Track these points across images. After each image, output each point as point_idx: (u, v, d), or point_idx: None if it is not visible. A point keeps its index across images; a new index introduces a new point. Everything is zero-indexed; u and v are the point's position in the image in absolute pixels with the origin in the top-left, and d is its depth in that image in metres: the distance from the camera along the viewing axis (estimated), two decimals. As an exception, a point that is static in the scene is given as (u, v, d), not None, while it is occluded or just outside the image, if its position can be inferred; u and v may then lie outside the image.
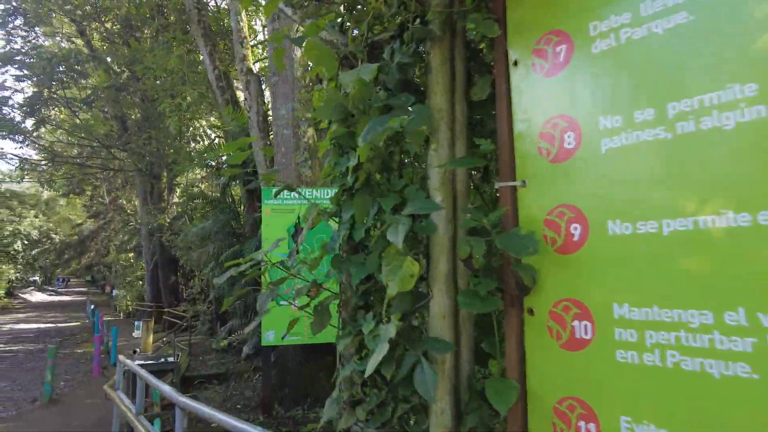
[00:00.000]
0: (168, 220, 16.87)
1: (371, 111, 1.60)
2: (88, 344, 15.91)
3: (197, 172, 17.48)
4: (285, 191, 7.05)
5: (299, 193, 2.55)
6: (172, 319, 14.61)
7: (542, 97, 1.41)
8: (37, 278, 55.68)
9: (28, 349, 15.67)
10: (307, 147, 7.86)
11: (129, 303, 25.39)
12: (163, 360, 5.80)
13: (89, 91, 15.35)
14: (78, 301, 40.16)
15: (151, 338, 6.32)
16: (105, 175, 25.12)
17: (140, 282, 23.99)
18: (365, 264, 1.75)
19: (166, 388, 3.40)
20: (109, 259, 29.03)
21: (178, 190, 19.24)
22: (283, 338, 7.12)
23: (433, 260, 1.52)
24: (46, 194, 38.37)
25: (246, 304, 9.46)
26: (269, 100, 8.79)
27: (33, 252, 34.83)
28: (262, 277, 7.33)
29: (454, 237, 1.52)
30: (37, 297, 46.06)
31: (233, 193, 11.51)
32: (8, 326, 24.30)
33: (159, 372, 5.45)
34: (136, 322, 6.74)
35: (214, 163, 10.47)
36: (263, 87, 8.82)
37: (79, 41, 15.37)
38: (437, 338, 1.46)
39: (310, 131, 8.01)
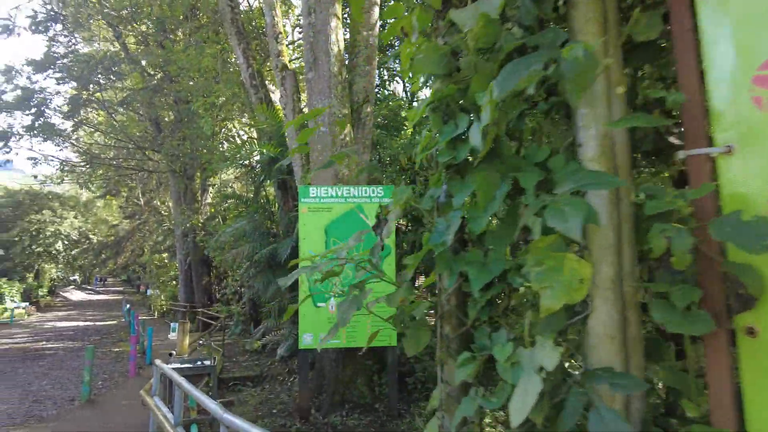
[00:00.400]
0: (201, 221, 16.85)
1: (498, 55, 1.20)
2: (124, 343, 16.01)
3: (230, 172, 17.45)
4: (322, 189, 6.64)
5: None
6: (206, 320, 14.54)
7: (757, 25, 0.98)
8: (76, 277, 57.31)
9: (68, 347, 15.85)
10: (344, 144, 7.53)
11: (163, 303, 25.68)
12: (199, 363, 5.53)
13: (125, 94, 15.44)
14: (114, 300, 41.10)
15: (187, 340, 6.09)
16: (140, 177, 25.50)
17: (174, 282, 24.23)
18: (487, 264, 1.34)
19: (211, 405, 3.08)
20: (144, 259, 29.46)
21: (211, 191, 19.27)
22: (320, 343, 6.80)
23: (594, 259, 1.11)
24: (84, 196, 39.39)
25: (281, 306, 9.18)
26: (305, 96, 8.52)
27: (73, 252, 35.70)
28: (301, 280, 7.04)
29: (618, 227, 1.10)
30: (76, 295, 47.38)
31: (267, 192, 11.31)
32: (50, 324, 24.86)
33: (195, 376, 5.18)
34: (172, 324, 6.56)
35: (247, 162, 10.27)
36: (298, 84, 8.56)
37: (115, 44, 15.52)
38: (613, 370, 1.04)
39: (347, 128, 7.68)
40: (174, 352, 5.67)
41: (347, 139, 7.62)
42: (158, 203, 23.89)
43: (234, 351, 12.94)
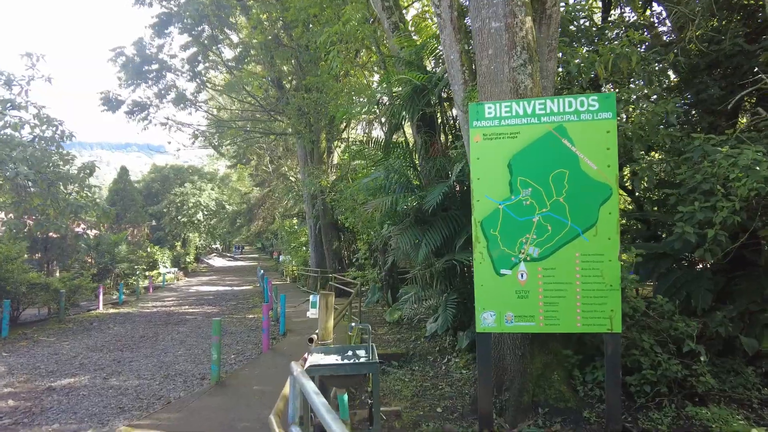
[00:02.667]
0: (329, 182, 15.76)
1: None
2: (258, 309, 15.78)
3: (358, 127, 16.05)
4: (503, 106, 4.42)
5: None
6: (339, 286, 13.50)
7: None
8: (218, 245, 62.51)
9: (207, 312, 16.01)
10: (525, 45, 5.27)
11: (294, 268, 25.87)
12: (354, 359, 3.85)
13: (240, 49, 14.57)
14: (251, 266, 43.65)
15: (332, 321, 4.44)
16: (268, 144, 25.57)
17: (304, 248, 24.14)
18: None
19: None
20: (275, 226, 30.09)
21: (338, 151, 18.17)
22: (507, 324, 4.83)
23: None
24: (222, 171, 41.84)
25: (432, 271, 7.35)
26: None
27: (212, 222, 38.11)
28: (476, 237, 5.05)
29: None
30: (218, 262, 51.46)
31: (406, 136, 9.47)
32: (195, 288, 26.43)
33: (350, 378, 3.50)
34: (312, 298, 5.17)
35: (383, 101, 8.49)
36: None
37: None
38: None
39: (528, 22, 5.38)
40: (315, 336, 4.06)
41: (529, 36, 5.33)
42: (286, 169, 23.68)
43: (371, 321, 11.63)
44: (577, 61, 6.39)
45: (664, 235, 7.00)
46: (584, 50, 7.06)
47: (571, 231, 4.63)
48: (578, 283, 4.67)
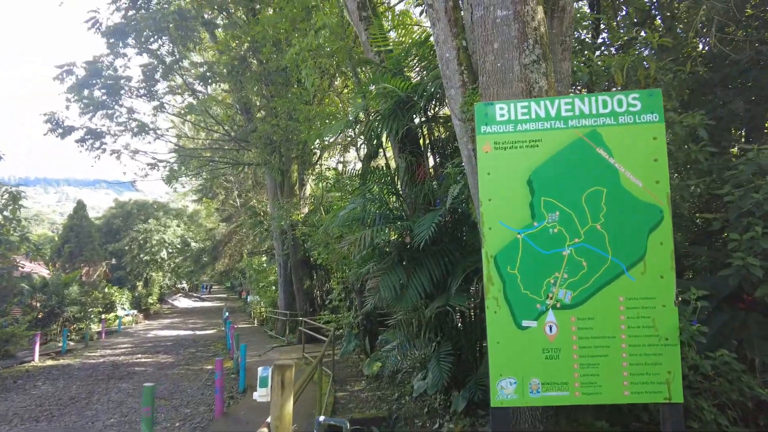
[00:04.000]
0: (301, 215, 14.47)
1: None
2: (220, 357, 14.05)
3: (332, 155, 14.98)
4: (520, 107, 3.32)
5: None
6: (310, 332, 12.00)
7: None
8: (184, 285, 59.52)
9: (160, 362, 14.18)
10: (538, 39, 4.27)
11: (262, 310, 24.10)
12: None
13: (204, 69, 13.44)
14: (218, 307, 41.21)
15: (290, 404, 3.11)
16: (236, 177, 24.20)
17: (274, 287, 22.49)
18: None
19: None
20: (243, 264, 28.34)
21: (311, 183, 16.96)
22: (533, 396, 3.61)
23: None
24: (191, 207, 39.96)
25: (420, 316, 6.09)
26: None
27: (177, 260, 36.00)
28: (487, 278, 3.83)
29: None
30: (183, 303, 48.65)
31: (388, 159, 8.34)
32: (153, 333, 24.27)
33: None
34: (260, 371, 3.86)
35: (359, 119, 7.39)
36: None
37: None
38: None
39: (540, 12, 4.42)
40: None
41: (542, 29, 4.34)
42: (255, 203, 22.31)
43: (346, 373, 10.17)
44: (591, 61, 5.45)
45: (690, 273, 5.98)
46: (595, 55, 6.17)
47: (612, 267, 3.47)
48: (624, 337, 3.48)
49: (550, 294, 3.53)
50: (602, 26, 8.15)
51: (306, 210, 15.60)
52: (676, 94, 6.36)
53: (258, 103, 15.92)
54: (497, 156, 3.70)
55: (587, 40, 7.51)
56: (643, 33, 7.01)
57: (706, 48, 6.38)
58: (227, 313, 21.70)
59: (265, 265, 24.52)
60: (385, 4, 11.45)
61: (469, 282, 5.80)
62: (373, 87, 6.25)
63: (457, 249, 6.05)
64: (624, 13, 8.91)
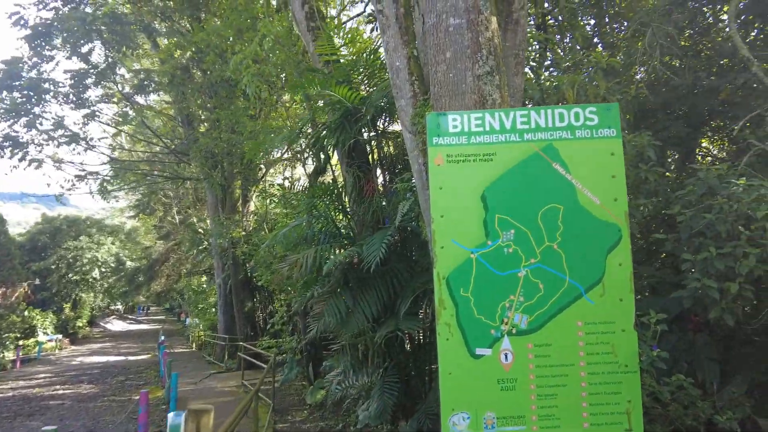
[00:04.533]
0: (243, 233, 13.76)
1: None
2: (152, 386, 12.96)
3: (280, 174, 14.43)
4: (473, 118, 3.07)
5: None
6: (249, 358, 11.25)
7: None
8: (119, 306, 55.90)
9: (82, 394, 12.86)
10: (491, 50, 4.10)
11: (201, 333, 22.76)
12: None
13: (142, 76, 12.65)
14: (154, 330, 38.74)
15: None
16: (175, 192, 23.00)
17: (213, 309, 21.30)
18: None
19: None
20: (182, 284, 26.79)
21: (254, 200, 16.26)
22: (487, 430, 3.31)
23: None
24: (129, 224, 37.63)
25: (366, 341, 5.68)
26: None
27: (110, 280, 33.62)
28: (439, 301, 3.49)
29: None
30: (117, 326, 45.52)
31: (336, 174, 7.96)
32: (79, 359, 22.36)
33: None
34: (170, 418, 3.30)
35: (306, 132, 6.99)
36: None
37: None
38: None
39: (494, 22, 4.25)
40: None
41: (496, 40, 4.17)
42: (195, 219, 21.21)
43: (288, 403, 9.53)
44: (541, 80, 5.38)
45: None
46: (546, 74, 6.13)
47: (570, 290, 3.25)
48: (583, 364, 3.25)
49: (505, 319, 3.26)
50: (548, 50, 8.28)
51: (249, 228, 14.90)
52: (623, 115, 6.44)
53: (202, 116, 15.20)
54: (450, 169, 3.42)
55: (537, 58, 7.55)
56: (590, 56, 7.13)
57: (650, 74, 6.51)
58: (163, 337, 20.30)
59: (205, 285, 23.27)
60: (336, 20, 11.24)
61: (418, 304, 5.49)
62: (321, 102, 5.92)
63: (407, 269, 5.73)
64: (568, 38, 9.13)
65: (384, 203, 6.13)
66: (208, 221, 19.28)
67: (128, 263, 32.90)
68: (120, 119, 13.00)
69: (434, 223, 3.36)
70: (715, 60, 6.64)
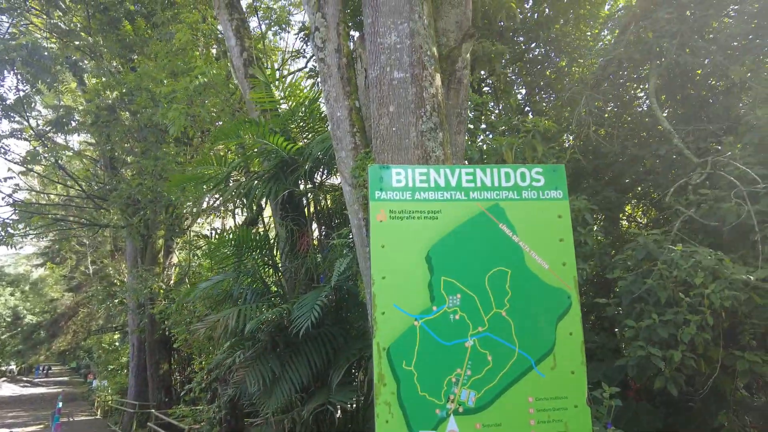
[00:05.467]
0: (163, 287, 12.63)
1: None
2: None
3: (211, 223, 13.61)
4: (418, 173, 2.84)
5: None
6: (161, 430, 9.91)
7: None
8: (13, 367, 49.43)
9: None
10: (435, 107, 4.00)
11: (109, 398, 20.31)
12: None
13: (61, 112, 11.69)
14: (54, 393, 34.23)
15: None
16: (92, 241, 21.13)
17: (126, 371, 19.16)
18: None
19: None
20: (92, 342, 24.10)
21: (176, 252, 15.16)
22: None
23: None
24: (36, 273, 33.92)
25: (294, 418, 5.06)
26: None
27: (3, 337, 29.70)
28: (379, 362, 3.05)
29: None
30: (7, 390, 39.90)
31: (267, 226, 7.45)
32: (-52, 435, 19.00)
33: None
34: None
35: (236, 181, 6.53)
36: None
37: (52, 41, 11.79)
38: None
39: (438, 79, 4.18)
40: None
41: (439, 97, 4.08)
42: (111, 270, 19.44)
43: (202, 484, 8.35)
44: (479, 141, 5.37)
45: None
46: (485, 135, 6.17)
47: (520, 362, 2.97)
48: (535, 446, 2.97)
49: (452, 396, 2.91)
50: (482, 114, 8.53)
51: (170, 282, 13.75)
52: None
53: (128, 159, 14.26)
54: (393, 227, 3.13)
55: (473, 120, 7.69)
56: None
57: (582, 141, 6.77)
58: (61, 404, 17.82)
59: (117, 344, 21.06)
60: (278, 73, 11.10)
61: (353, 373, 5.00)
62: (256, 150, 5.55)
63: (342, 333, 5.26)
64: (501, 106, 9.53)
65: (319, 260, 5.71)
66: (125, 273, 17.72)
67: (27, 317, 29.32)
68: (28, 158, 11.81)
69: (375, 285, 3.02)
70: (637, 131, 7.03)
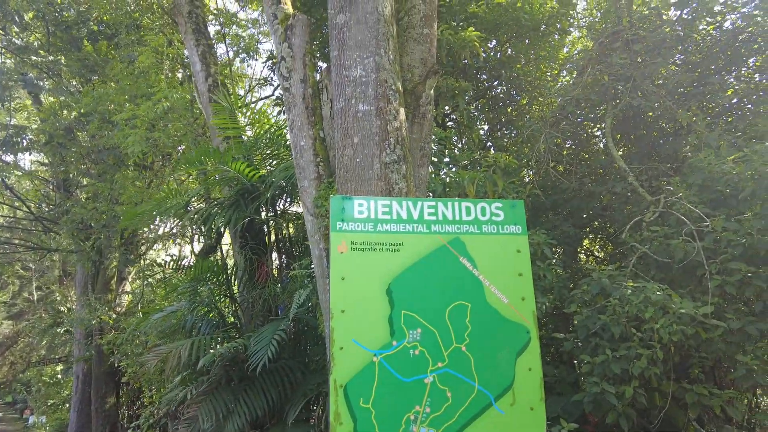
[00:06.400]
0: (113, 316, 12.03)
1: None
2: None
3: (166, 251, 13.16)
4: (381, 205, 2.87)
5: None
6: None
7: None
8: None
9: None
10: (399, 140, 4.06)
11: (47, 436, 18.88)
12: None
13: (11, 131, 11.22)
14: (-16, 431, 31.53)
15: None
16: (38, 266, 20.02)
17: (67, 405, 17.91)
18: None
19: None
20: (31, 374, 22.50)
21: (130, 280, 14.53)
22: None
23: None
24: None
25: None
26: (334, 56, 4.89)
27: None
28: (335, 400, 2.94)
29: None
30: (-68, 427, 36.56)
31: (226, 255, 7.25)
32: None
33: None
34: None
35: (196, 209, 6.35)
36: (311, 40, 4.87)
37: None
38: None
39: (402, 114, 4.26)
40: None
41: (403, 131, 4.15)
42: (59, 297, 18.40)
43: None
44: (442, 174, 5.46)
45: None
46: (449, 168, 6.27)
47: (479, 398, 2.97)
48: (494, 488, 2.93)
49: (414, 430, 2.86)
50: (446, 148, 8.73)
51: (122, 311, 13.12)
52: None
53: (84, 181, 13.76)
54: (354, 258, 3.12)
55: (437, 154, 7.84)
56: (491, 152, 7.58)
57: (541, 176, 6.98)
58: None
59: (60, 376, 19.77)
60: (241, 100, 11.05)
61: (311, 409, 4.84)
62: (218, 177, 5.46)
63: (300, 368, 5.11)
64: (464, 141, 9.77)
65: (279, 290, 5.59)
66: (74, 300, 16.82)
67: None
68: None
69: (334, 318, 2.97)
70: (594, 168, 7.32)
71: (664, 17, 7.09)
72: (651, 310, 3.76)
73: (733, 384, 4.20)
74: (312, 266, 4.34)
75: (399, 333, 3.00)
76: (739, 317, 3.96)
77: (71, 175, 13.20)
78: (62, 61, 11.56)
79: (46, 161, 14.63)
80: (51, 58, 11.39)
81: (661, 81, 6.74)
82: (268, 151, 6.06)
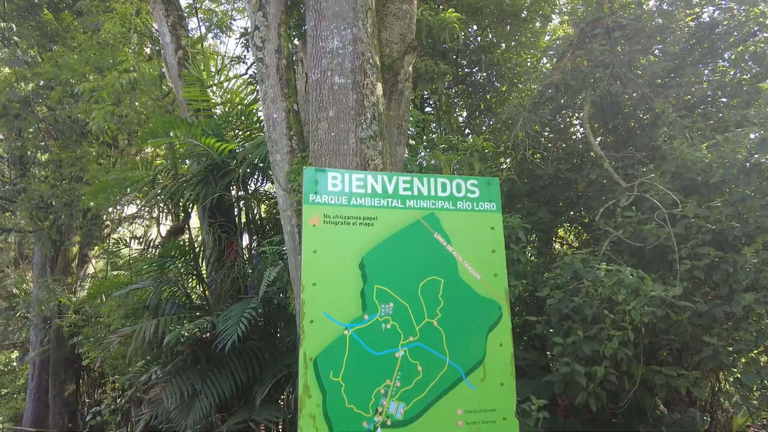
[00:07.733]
0: (74, 299, 11.71)
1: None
2: None
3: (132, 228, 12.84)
4: (355, 178, 2.88)
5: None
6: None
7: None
8: None
9: None
10: (375, 115, 4.05)
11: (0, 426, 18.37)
12: None
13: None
14: (-66, 422, 30.49)
15: None
16: (-7, 248, 19.30)
17: (22, 394, 17.43)
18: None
19: None
20: (-16, 362, 21.81)
21: (92, 262, 14.16)
22: None
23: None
24: None
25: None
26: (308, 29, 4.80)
27: None
28: (305, 372, 2.94)
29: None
30: None
31: (192, 235, 7.12)
32: None
33: None
34: None
35: (163, 183, 6.21)
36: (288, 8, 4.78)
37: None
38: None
39: (380, 88, 4.25)
40: None
41: (380, 107, 4.14)
42: (15, 278, 17.81)
43: None
44: (420, 158, 5.48)
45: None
46: (426, 152, 6.30)
47: (450, 373, 3.02)
48: (464, 462, 2.99)
49: (380, 408, 2.89)
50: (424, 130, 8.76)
51: (83, 294, 12.80)
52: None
53: (42, 158, 13.30)
54: (326, 231, 3.11)
55: (415, 136, 7.86)
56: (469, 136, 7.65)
57: (518, 162, 7.08)
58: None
59: (15, 363, 19.21)
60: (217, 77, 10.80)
61: (280, 390, 4.84)
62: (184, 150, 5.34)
63: (269, 348, 5.09)
64: (442, 127, 9.82)
65: (249, 270, 5.54)
66: (31, 283, 16.30)
67: None
68: None
69: (305, 291, 2.97)
70: (571, 156, 7.46)
71: (644, 6, 7.23)
72: (624, 293, 3.88)
73: (698, 366, 4.38)
74: (283, 244, 4.32)
75: (371, 307, 3.01)
76: (706, 301, 4.12)
77: (29, 152, 12.75)
78: (16, 29, 11.10)
79: (0, 136, 14.10)
80: (3, 24, 10.92)
81: (639, 71, 6.89)
82: (241, 127, 5.96)
